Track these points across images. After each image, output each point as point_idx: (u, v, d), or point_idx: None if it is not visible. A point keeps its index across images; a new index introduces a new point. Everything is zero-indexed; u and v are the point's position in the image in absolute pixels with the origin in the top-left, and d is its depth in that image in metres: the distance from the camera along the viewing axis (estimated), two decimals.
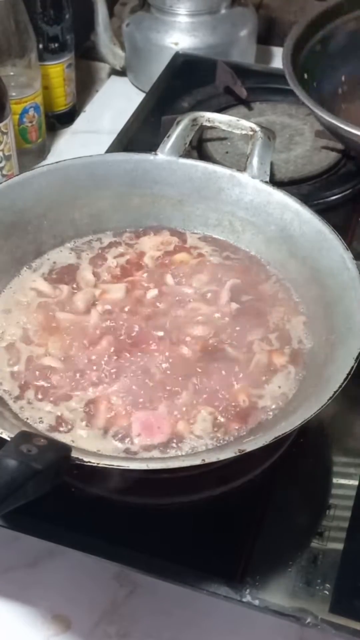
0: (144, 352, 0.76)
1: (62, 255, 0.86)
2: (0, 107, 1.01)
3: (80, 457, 0.59)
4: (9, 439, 0.59)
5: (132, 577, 0.72)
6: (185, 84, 1.25)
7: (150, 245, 0.87)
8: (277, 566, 0.69)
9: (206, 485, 0.73)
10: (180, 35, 1.29)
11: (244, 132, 0.88)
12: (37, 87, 1.13)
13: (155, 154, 0.87)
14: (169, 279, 0.83)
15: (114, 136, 1.15)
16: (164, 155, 0.87)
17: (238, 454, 0.60)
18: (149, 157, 0.87)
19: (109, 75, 1.42)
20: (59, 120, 1.27)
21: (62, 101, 1.25)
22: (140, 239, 0.88)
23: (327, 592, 0.67)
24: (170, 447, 0.69)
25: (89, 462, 0.59)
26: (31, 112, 1.13)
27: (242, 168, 0.86)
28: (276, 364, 0.76)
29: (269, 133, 0.87)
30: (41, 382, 0.73)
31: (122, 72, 1.39)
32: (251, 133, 0.87)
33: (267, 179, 0.85)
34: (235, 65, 1.24)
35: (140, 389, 0.73)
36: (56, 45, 1.18)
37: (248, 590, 0.67)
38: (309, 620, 0.65)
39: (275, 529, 0.71)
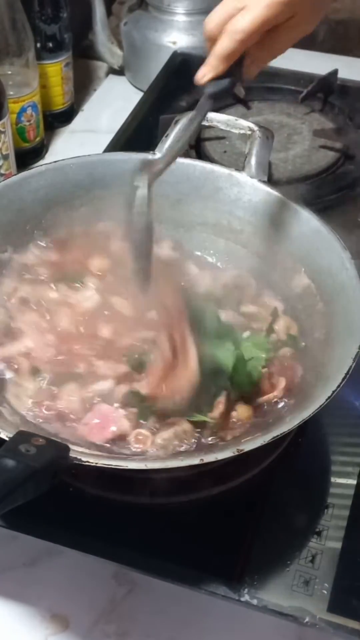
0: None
1: None
2: None
3: (78, 457, 0.59)
4: (7, 438, 0.59)
5: (131, 577, 0.72)
6: (183, 83, 1.24)
7: None
8: (275, 565, 0.69)
9: (204, 485, 0.73)
10: (178, 34, 1.29)
11: (242, 131, 0.88)
12: (35, 86, 1.13)
13: (154, 153, 0.87)
14: None
15: (112, 135, 1.15)
16: (162, 155, 0.87)
17: (236, 453, 0.60)
18: (147, 156, 0.87)
19: (107, 74, 1.42)
20: (57, 119, 1.27)
21: (60, 100, 1.25)
22: None
23: (326, 592, 0.67)
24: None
25: (87, 461, 0.59)
26: (29, 111, 1.13)
27: (241, 167, 0.86)
28: (274, 362, 0.76)
29: (267, 132, 0.87)
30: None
31: (120, 71, 1.39)
32: (249, 132, 0.87)
33: (266, 179, 0.85)
34: None
35: None
36: (54, 44, 1.18)
37: (246, 590, 0.67)
38: (307, 619, 0.65)
39: (273, 528, 0.72)
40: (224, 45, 0.67)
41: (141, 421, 0.69)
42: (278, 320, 0.79)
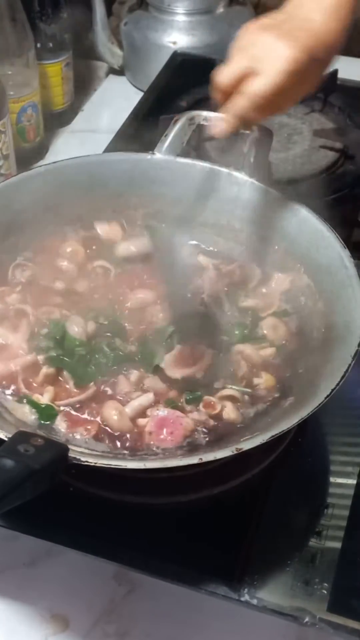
0: None
1: None
2: None
3: (78, 457, 0.59)
4: (6, 438, 0.59)
5: (131, 577, 0.72)
6: (183, 83, 1.24)
7: None
8: (275, 565, 0.69)
9: (204, 485, 0.73)
10: (178, 34, 1.29)
11: (242, 131, 0.88)
12: (35, 86, 1.13)
13: (153, 154, 0.87)
14: None
15: (112, 135, 1.15)
16: (162, 155, 0.87)
17: (236, 452, 0.60)
18: (147, 156, 0.87)
19: (107, 74, 1.42)
20: (57, 119, 1.27)
21: (60, 100, 1.25)
22: None
23: (325, 591, 0.67)
24: None
25: (87, 461, 0.59)
26: (29, 111, 1.13)
27: (240, 167, 0.86)
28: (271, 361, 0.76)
29: (267, 132, 0.87)
30: None
31: (120, 71, 1.39)
32: (249, 132, 0.87)
33: (265, 178, 0.85)
34: None
35: None
36: (54, 44, 1.18)
37: (246, 590, 0.67)
38: (307, 619, 0.65)
39: (273, 528, 0.72)
40: (242, 105, 0.70)
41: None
42: (265, 320, 0.80)
